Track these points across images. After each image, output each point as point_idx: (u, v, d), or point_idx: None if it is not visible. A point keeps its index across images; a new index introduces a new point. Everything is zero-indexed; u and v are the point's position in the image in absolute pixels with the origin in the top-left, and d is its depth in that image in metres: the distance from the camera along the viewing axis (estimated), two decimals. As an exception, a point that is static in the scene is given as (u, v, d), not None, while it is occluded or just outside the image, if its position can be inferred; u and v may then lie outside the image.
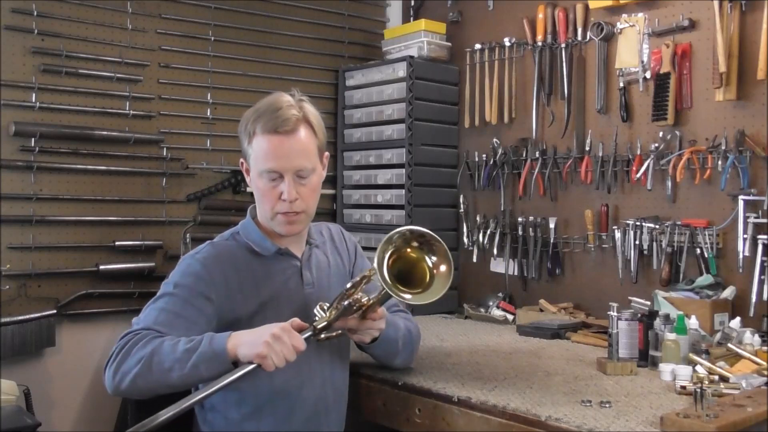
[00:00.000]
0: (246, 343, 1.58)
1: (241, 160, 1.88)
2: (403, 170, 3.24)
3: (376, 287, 1.76)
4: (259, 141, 1.77)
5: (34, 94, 2.81)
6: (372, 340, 1.87)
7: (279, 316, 1.71)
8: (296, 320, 1.66)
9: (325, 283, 1.91)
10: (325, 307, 1.75)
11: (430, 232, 1.82)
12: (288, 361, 1.58)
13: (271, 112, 1.77)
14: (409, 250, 1.80)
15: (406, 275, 1.78)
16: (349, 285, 1.75)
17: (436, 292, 1.76)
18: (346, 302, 1.73)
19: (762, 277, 2.38)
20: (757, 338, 2.18)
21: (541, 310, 2.94)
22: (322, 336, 1.73)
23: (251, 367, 1.55)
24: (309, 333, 1.66)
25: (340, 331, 1.82)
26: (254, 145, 1.78)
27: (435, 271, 1.79)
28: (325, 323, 1.71)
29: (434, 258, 1.81)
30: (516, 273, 3.17)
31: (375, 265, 1.70)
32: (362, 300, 1.75)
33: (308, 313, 1.77)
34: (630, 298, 2.61)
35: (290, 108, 1.79)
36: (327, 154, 1.94)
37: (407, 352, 2.06)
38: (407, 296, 1.74)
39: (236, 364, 1.58)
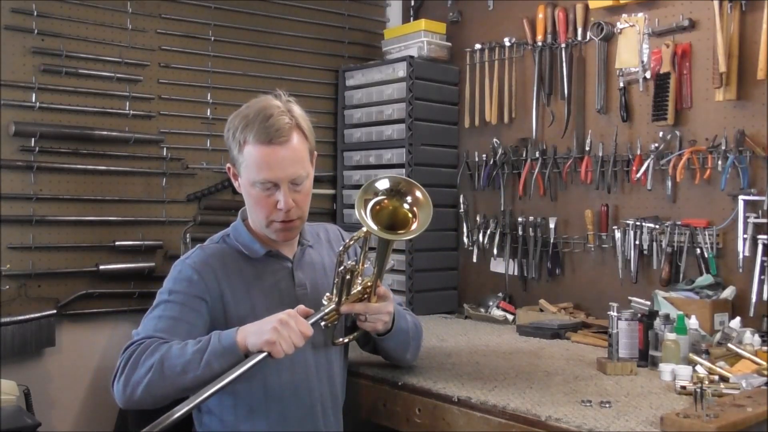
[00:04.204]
0: (254, 332, 1.59)
1: (228, 165, 1.86)
2: (403, 170, 3.23)
3: (370, 270, 1.81)
4: (252, 151, 1.74)
5: (34, 94, 2.81)
6: (385, 332, 1.88)
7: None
8: (301, 307, 1.67)
9: (320, 284, 1.90)
10: (330, 296, 1.78)
11: (393, 178, 1.81)
12: (296, 347, 1.59)
13: (262, 121, 1.73)
14: (386, 201, 1.78)
15: (392, 226, 1.77)
16: (341, 248, 1.77)
17: (424, 222, 1.75)
18: (340, 268, 1.74)
19: (762, 277, 2.38)
20: (757, 338, 2.18)
21: (541, 310, 2.94)
22: (341, 339, 1.83)
23: (262, 355, 1.55)
24: (316, 318, 1.68)
25: (356, 334, 1.89)
26: (245, 155, 1.75)
27: (415, 207, 1.78)
28: (332, 306, 1.74)
29: (408, 198, 1.79)
30: (516, 273, 3.17)
31: (361, 223, 1.71)
32: (357, 268, 1.78)
33: None
34: (630, 298, 2.61)
35: (282, 115, 1.76)
36: (315, 153, 1.90)
37: (416, 347, 2.07)
38: (405, 237, 1.75)
39: (247, 355, 1.58)
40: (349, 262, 1.75)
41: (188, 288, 1.75)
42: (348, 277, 1.76)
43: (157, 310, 1.74)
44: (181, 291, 1.75)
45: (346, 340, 1.91)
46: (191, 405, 1.46)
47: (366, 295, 1.81)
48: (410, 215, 1.78)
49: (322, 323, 1.74)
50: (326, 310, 1.73)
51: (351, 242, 1.78)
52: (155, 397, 1.61)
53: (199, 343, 1.61)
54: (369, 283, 1.80)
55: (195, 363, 1.58)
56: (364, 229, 1.74)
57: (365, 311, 1.80)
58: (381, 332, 1.88)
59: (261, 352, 1.56)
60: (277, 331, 1.56)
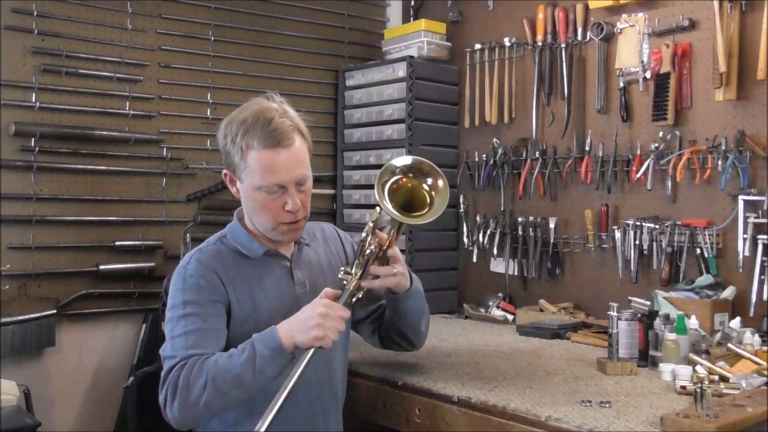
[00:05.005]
0: (299, 330, 1.63)
1: (225, 171, 1.83)
2: (403, 170, 3.23)
3: (386, 228, 1.84)
4: (257, 156, 1.73)
5: (34, 94, 2.81)
6: (405, 290, 1.89)
7: (272, 318, 1.72)
8: (329, 290, 1.71)
9: (318, 282, 1.90)
10: (349, 270, 1.79)
11: (417, 158, 1.88)
12: (340, 332, 1.65)
13: (263, 125, 1.73)
14: (404, 180, 1.84)
15: (408, 204, 1.83)
16: (363, 234, 1.79)
17: (440, 207, 1.82)
18: (368, 251, 1.78)
19: (762, 277, 2.38)
20: (757, 338, 2.18)
21: (541, 310, 2.94)
22: (360, 296, 1.80)
23: (312, 351, 1.61)
24: (345, 298, 1.72)
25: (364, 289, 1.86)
26: (250, 161, 1.74)
27: (433, 191, 1.85)
28: (355, 282, 1.76)
29: (429, 179, 1.86)
30: (516, 273, 3.17)
31: (378, 202, 1.76)
32: (381, 240, 1.81)
33: None
34: (630, 298, 2.61)
35: (282, 118, 1.75)
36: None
37: (427, 318, 2.05)
38: (418, 221, 1.80)
39: (292, 352, 1.64)
40: (372, 247, 1.78)
41: (200, 295, 1.74)
42: (375, 254, 1.80)
43: (179, 327, 1.71)
44: (194, 300, 1.74)
45: (360, 295, 1.86)
46: (275, 410, 1.54)
47: (381, 253, 1.82)
48: (428, 198, 1.83)
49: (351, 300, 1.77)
50: (351, 288, 1.75)
51: (371, 225, 1.79)
52: (213, 413, 1.67)
53: (243, 353, 1.63)
54: (384, 246, 1.82)
55: (248, 374, 1.61)
56: (378, 209, 1.77)
57: (383, 273, 1.82)
58: (402, 288, 1.88)
59: (310, 347, 1.61)
60: (322, 326, 1.61)
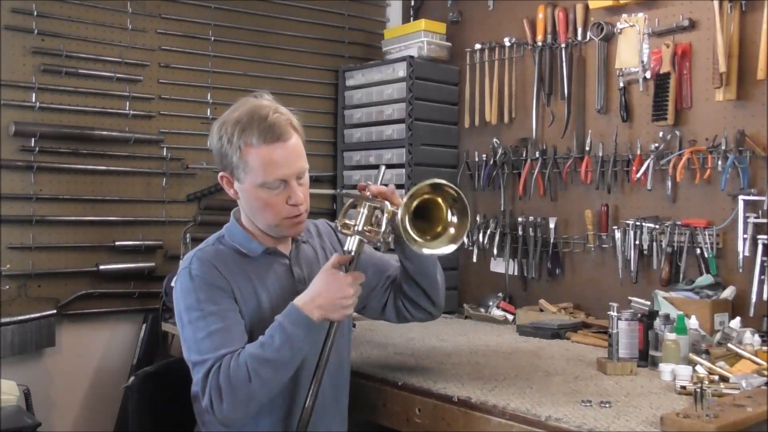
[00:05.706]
0: (333, 309, 1.69)
1: (221, 174, 1.83)
2: (403, 170, 3.24)
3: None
4: (257, 153, 1.73)
5: (34, 94, 2.81)
6: None
7: (275, 314, 1.72)
8: (339, 256, 1.76)
9: None
10: (349, 223, 1.80)
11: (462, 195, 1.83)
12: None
13: (260, 122, 1.73)
14: (439, 198, 1.83)
15: (423, 213, 1.80)
16: (362, 221, 1.79)
17: (443, 243, 1.78)
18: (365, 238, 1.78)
19: (762, 277, 2.38)
20: (757, 338, 2.18)
21: (541, 310, 2.94)
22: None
23: (336, 324, 1.73)
24: (356, 258, 1.77)
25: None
26: (250, 158, 1.74)
27: (451, 224, 1.81)
28: (357, 239, 1.78)
29: (455, 210, 1.82)
30: (516, 273, 3.17)
31: (402, 203, 1.73)
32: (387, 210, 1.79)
33: None
34: (630, 298, 2.61)
35: (276, 114, 1.76)
36: None
37: (442, 274, 2.01)
38: (426, 247, 1.76)
39: None
40: (377, 201, 1.79)
41: (211, 292, 1.74)
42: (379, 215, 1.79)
43: (201, 330, 1.70)
44: (208, 298, 1.73)
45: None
46: (317, 388, 1.72)
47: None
48: (440, 224, 1.80)
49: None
50: (356, 248, 1.76)
51: (390, 208, 1.77)
52: (261, 403, 1.69)
53: (275, 337, 1.65)
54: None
55: (286, 355, 1.65)
56: (391, 211, 1.75)
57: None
58: None
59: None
60: (353, 305, 1.72)
